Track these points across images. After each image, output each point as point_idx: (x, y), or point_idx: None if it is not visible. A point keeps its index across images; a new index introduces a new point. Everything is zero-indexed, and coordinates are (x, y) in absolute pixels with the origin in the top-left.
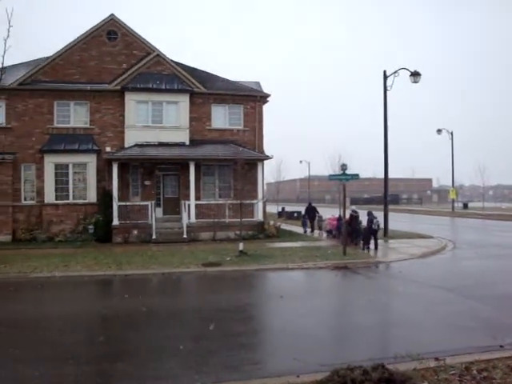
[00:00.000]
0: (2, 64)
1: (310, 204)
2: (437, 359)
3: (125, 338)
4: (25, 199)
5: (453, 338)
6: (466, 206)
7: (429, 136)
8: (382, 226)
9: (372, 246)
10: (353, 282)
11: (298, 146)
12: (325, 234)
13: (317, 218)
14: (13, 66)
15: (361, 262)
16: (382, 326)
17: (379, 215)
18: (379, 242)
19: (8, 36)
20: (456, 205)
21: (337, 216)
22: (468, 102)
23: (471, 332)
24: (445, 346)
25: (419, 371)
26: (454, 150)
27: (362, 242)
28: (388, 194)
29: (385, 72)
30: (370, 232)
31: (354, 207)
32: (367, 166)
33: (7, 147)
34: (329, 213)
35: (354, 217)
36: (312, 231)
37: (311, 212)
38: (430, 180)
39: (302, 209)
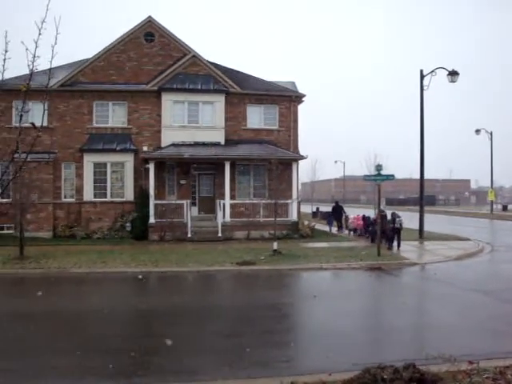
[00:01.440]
0: (50, 69)
1: (337, 203)
2: (470, 362)
3: (161, 332)
4: (65, 197)
5: (488, 342)
6: (505, 207)
7: (468, 136)
8: (406, 225)
9: (395, 245)
10: (386, 283)
11: (333, 145)
12: (349, 233)
13: (343, 217)
14: (54, 68)
15: (395, 263)
16: (415, 328)
17: (415, 216)
18: (415, 243)
19: (55, 43)
20: (495, 207)
21: (361, 215)
22: (508, 100)
23: (507, 337)
24: (479, 350)
25: (451, 373)
26: (494, 151)
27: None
28: (424, 194)
29: (421, 71)
30: (393, 231)
31: (382, 207)
32: (403, 167)
33: (48, 146)
34: (365, 213)
35: (383, 216)
36: (338, 230)
37: (338, 211)
38: (467, 181)
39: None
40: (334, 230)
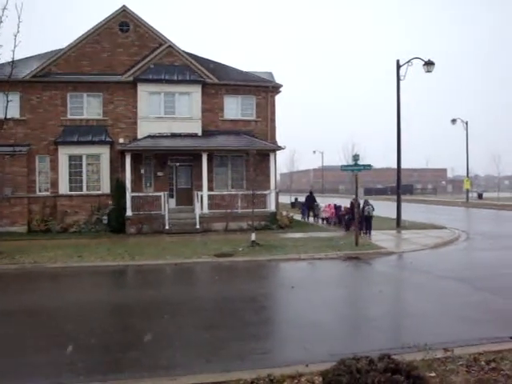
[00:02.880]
0: (13, 59)
1: (310, 193)
2: (445, 350)
3: (137, 327)
4: (39, 190)
5: (463, 330)
6: (480, 196)
7: (444, 126)
8: (384, 214)
9: (367, 232)
10: (364, 272)
11: (312, 136)
12: (322, 221)
13: (315, 206)
14: (26, 58)
15: (372, 252)
16: (393, 316)
17: (393, 205)
18: (392, 232)
19: (18, 31)
20: (470, 195)
21: (332, 205)
22: (483, 90)
23: (481, 323)
24: (454, 337)
25: (427, 361)
26: (469, 140)
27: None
28: (401, 184)
29: (398, 61)
30: (364, 218)
31: (354, 196)
32: (382, 156)
33: (22, 139)
34: (342, 203)
35: (353, 205)
36: (307, 218)
37: (310, 201)
38: (444, 170)
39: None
40: (311, 219)
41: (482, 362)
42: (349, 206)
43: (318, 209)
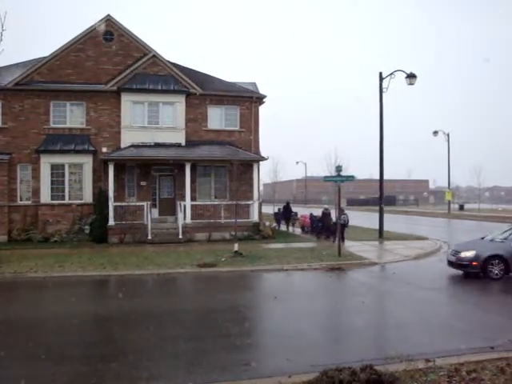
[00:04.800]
0: None
1: (287, 204)
2: (427, 360)
3: (118, 338)
4: (21, 199)
5: (444, 340)
6: (462, 207)
7: (426, 137)
8: (366, 225)
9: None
10: (346, 283)
11: (295, 147)
12: (298, 230)
13: (292, 216)
14: (8, 66)
15: (355, 263)
16: (375, 327)
17: (375, 216)
18: (375, 243)
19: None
20: (452, 206)
21: (308, 214)
22: (464, 103)
23: (463, 334)
24: (436, 348)
25: (409, 372)
26: (451, 152)
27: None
28: (384, 195)
29: (381, 74)
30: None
31: (326, 206)
32: (365, 168)
33: (3, 147)
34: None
35: (326, 214)
36: (287, 228)
37: (287, 211)
38: (426, 181)
39: (299, 210)
40: (287, 228)
41: (463, 373)
42: (321, 215)
43: (293, 219)
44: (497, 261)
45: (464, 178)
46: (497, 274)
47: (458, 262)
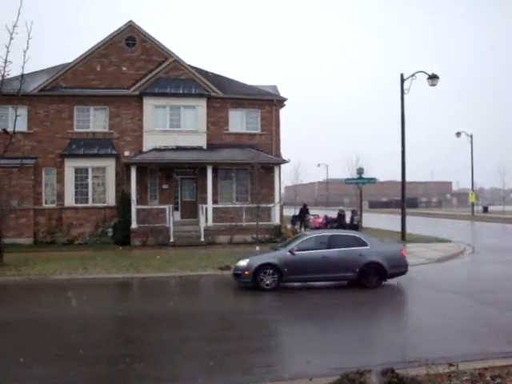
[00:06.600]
0: (22, 74)
1: (304, 206)
2: (450, 364)
3: (141, 339)
4: (45, 203)
5: (467, 344)
6: (486, 209)
7: (449, 139)
8: (389, 228)
9: None
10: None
11: (316, 149)
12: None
13: (306, 218)
14: (34, 72)
15: None
16: (397, 330)
17: (397, 219)
18: None
19: (27, 48)
20: (476, 208)
21: (322, 215)
22: (489, 103)
23: (487, 338)
24: (459, 352)
25: (431, 376)
26: (475, 153)
27: None
28: (406, 197)
29: (402, 75)
30: (351, 227)
31: (341, 207)
32: (386, 169)
33: (29, 152)
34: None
35: (341, 215)
36: (300, 228)
37: (303, 213)
38: (449, 183)
39: (320, 212)
40: (302, 229)
41: (488, 378)
42: (335, 216)
43: (307, 220)
44: (269, 270)
45: (488, 179)
46: (266, 284)
47: (234, 272)
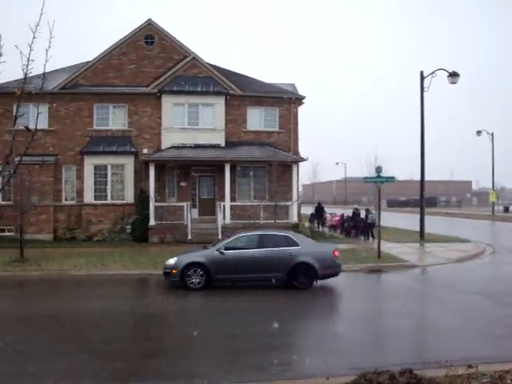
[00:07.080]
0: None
1: (319, 204)
2: (469, 366)
3: (156, 336)
4: (65, 199)
5: (487, 346)
6: (507, 209)
7: (469, 137)
8: (407, 227)
9: (370, 237)
10: (386, 285)
11: (334, 147)
12: (329, 229)
13: (323, 216)
14: (55, 70)
15: (396, 265)
16: (414, 330)
17: (416, 218)
18: (415, 245)
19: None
20: (496, 208)
21: (338, 214)
22: (509, 101)
23: (506, 340)
24: (478, 354)
25: (449, 378)
26: (495, 152)
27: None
28: (425, 196)
29: (422, 73)
30: (366, 225)
31: (356, 206)
32: (405, 168)
33: (49, 149)
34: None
35: (356, 214)
36: (318, 227)
37: (319, 211)
38: (469, 182)
39: (338, 211)
40: (318, 227)
41: (508, 381)
42: (351, 214)
43: (324, 218)
44: (196, 269)
45: (509, 178)
46: (193, 283)
47: (164, 270)
